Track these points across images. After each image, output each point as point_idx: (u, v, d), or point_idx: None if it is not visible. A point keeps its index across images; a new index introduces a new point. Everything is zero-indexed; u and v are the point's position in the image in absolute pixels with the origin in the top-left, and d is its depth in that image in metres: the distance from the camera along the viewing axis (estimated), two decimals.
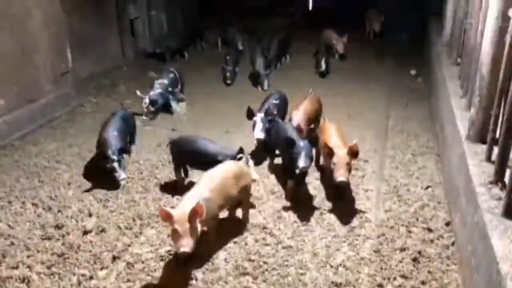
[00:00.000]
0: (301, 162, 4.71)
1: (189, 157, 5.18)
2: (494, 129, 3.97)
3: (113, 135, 5.50)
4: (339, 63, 10.16)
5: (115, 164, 5.24)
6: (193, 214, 3.68)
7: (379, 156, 6.12)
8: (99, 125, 6.01)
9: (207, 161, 4.80)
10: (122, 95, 8.44)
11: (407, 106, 7.81)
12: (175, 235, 3.68)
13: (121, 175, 5.25)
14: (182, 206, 3.80)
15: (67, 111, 7.60)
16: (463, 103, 5.34)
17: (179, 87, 7.74)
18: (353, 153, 4.73)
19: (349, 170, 4.73)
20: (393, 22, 11.51)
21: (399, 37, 11.13)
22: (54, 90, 7.34)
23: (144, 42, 10.21)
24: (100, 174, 5.42)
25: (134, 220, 4.77)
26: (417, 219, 4.70)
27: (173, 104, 7.46)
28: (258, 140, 5.68)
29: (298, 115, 5.97)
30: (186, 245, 3.62)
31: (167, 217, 3.68)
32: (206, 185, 4.15)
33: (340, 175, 4.59)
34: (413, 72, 9.36)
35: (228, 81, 9.07)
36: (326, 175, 5.13)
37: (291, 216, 4.76)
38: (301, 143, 4.80)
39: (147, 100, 6.92)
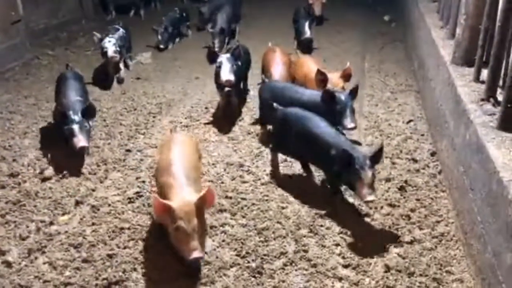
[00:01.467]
0: (347, 121, 4.09)
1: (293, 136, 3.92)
2: (483, 44, 3.72)
3: (75, 99, 4.57)
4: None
5: (75, 127, 4.21)
6: (202, 204, 2.82)
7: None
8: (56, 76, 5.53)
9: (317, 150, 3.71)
10: (82, 48, 7.86)
11: (383, 49, 7.54)
12: (180, 235, 2.75)
13: (80, 141, 4.17)
14: (179, 194, 2.88)
15: (21, 63, 7.01)
16: (444, 33, 5.11)
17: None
18: (346, 76, 4.67)
19: None
20: None
21: None
22: (4, 40, 6.73)
23: None
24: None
25: (98, 166, 4.37)
26: (401, 151, 4.48)
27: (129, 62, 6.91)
28: (229, 82, 4.82)
29: (279, 70, 5.13)
30: (198, 248, 2.73)
31: (166, 211, 2.77)
32: (184, 159, 3.25)
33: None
34: (386, 18, 9.09)
35: (161, 46, 7.61)
36: None
37: (269, 154, 4.44)
38: (342, 97, 4.09)
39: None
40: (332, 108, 4.07)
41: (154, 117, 5.36)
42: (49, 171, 4.26)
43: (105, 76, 6.32)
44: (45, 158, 4.50)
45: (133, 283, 3.02)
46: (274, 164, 4.28)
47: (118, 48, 6.07)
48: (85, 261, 3.23)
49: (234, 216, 3.61)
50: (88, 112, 4.36)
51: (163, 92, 6.05)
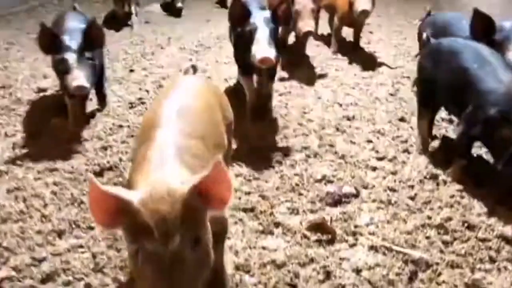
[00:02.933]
0: None
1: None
2: None
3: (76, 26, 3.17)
4: None
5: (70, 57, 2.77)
6: (200, 201, 1.22)
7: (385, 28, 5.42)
8: None
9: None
10: (91, 1, 7.49)
11: None
12: (147, 272, 1.16)
13: (75, 79, 2.72)
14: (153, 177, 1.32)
15: (25, 8, 6.65)
16: None
17: None
18: None
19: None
20: None
21: None
22: None
23: None
24: None
25: None
26: None
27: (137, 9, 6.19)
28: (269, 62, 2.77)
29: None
30: None
31: (116, 211, 1.18)
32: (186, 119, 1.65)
33: (363, 3, 3.97)
34: None
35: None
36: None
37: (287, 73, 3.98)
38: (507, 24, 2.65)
39: None
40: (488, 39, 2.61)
41: (162, 48, 4.93)
42: (45, 84, 3.86)
43: (113, 18, 5.92)
44: (41, 74, 4.09)
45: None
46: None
47: None
48: (76, 152, 2.80)
49: (244, 118, 3.14)
50: (93, 38, 2.89)
51: (172, 31, 5.63)
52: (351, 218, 2.20)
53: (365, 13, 4.00)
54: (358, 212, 2.24)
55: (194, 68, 2.24)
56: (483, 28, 2.62)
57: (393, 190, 2.41)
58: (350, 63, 4.25)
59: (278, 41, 2.84)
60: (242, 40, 2.86)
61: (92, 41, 2.88)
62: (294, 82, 3.79)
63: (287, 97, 3.51)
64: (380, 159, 2.69)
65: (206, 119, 1.72)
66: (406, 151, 2.76)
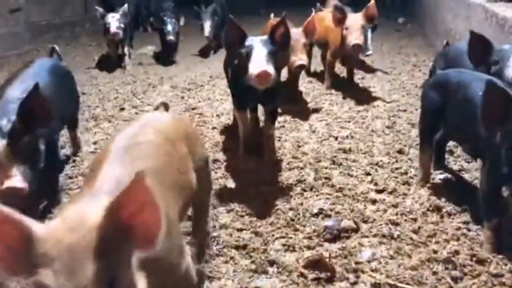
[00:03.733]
0: None
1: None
2: None
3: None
4: None
5: None
6: (113, 223, 0.97)
7: (378, 63, 5.39)
8: None
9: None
10: (84, 45, 7.53)
11: (400, 41, 7.09)
12: None
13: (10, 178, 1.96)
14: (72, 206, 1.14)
15: (18, 53, 6.65)
16: None
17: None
18: (369, 16, 4.08)
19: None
20: None
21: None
22: (2, 26, 6.42)
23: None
24: None
25: (87, 121, 3.85)
26: None
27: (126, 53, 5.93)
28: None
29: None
30: None
31: (13, 238, 0.96)
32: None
33: (354, 38, 3.91)
34: (401, 20, 8.74)
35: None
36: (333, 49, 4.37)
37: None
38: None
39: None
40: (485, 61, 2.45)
41: (153, 87, 4.88)
42: None
43: (106, 59, 5.90)
44: None
45: None
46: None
47: (122, 25, 5.52)
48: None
49: (238, 151, 3.02)
50: (34, 113, 2.05)
51: (165, 71, 5.60)
52: (351, 254, 2.03)
53: (357, 47, 3.96)
54: (358, 248, 2.08)
55: (166, 106, 2.01)
56: (480, 50, 2.46)
57: (395, 223, 2.25)
58: (344, 97, 4.18)
59: (277, 64, 2.63)
60: (237, 65, 2.72)
61: (33, 118, 2.04)
62: (287, 116, 3.70)
63: (281, 131, 3.40)
64: (380, 191, 2.55)
65: (162, 154, 1.50)
66: (406, 183, 2.63)
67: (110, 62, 5.80)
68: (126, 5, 5.80)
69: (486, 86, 1.93)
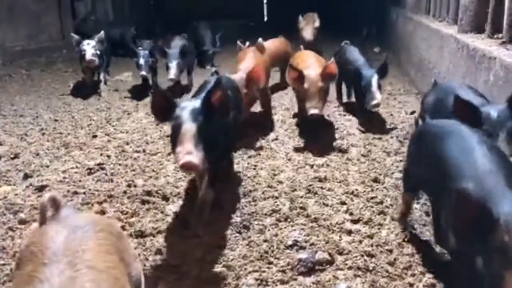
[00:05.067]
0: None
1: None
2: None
3: None
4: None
5: None
6: None
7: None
8: (28, 90, 5.53)
9: None
10: (59, 70, 7.42)
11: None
12: None
13: None
14: None
15: None
16: (443, 24, 4.79)
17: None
18: (327, 75, 3.58)
19: (324, 98, 3.70)
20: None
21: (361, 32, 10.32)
22: None
23: (85, 26, 9.27)
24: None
25: (58, 149, 3.74)
26: (407, 133, 3.92)
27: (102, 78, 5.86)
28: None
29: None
30: None
31: None
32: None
33: (313, 107, 3.50)
34: (377, 49, 8.90)
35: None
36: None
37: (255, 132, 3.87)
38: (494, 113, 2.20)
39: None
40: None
41: (128, 114, 4.80)
42: (0, 150, 3.64)
43: (82, 86, 5.81)
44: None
45: None
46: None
47: (97, 52, 5.44)
48: (22, 222, 2.53)
49: (213, 184, 2.95)
50: None
51: (141, 97, 5.51)
52: (326, 287, 1.97)
53: (316, 117, 3.60)
54: (333, 281, 2.02)
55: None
56: (468, 117, 2.14)
57: (370, 255, 2.21)
58: (320, 124, 4.17)
59: (210, 140, 2.18)
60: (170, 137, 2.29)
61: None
62: (264, 144, 3.67)
63: (257, 159, 3.36)
64: (355, 221, 2.51)
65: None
66: (382, 212, 2.60)
67: (85, 89, 5.70)
68: (102, 32, 5.77)
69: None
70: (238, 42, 4.81)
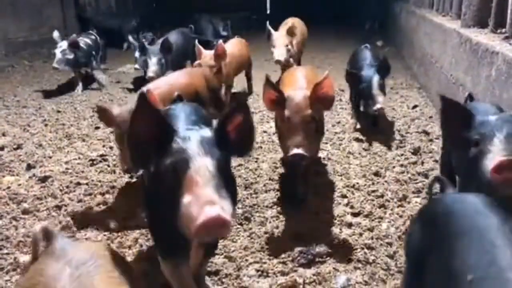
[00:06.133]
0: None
1: None
2: None
3: None
4: None
5: None
6: None
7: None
8: (31, 81, 5.49)
9: None
10: None
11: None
12: None
13: None
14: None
15: None
16: (446, 19, 4.78)
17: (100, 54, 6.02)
18: (320, 99, 2.37)
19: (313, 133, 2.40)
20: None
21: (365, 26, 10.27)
22: None
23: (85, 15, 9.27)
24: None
25: (60, 140, 3.76)
26: (409, 127, 3.94)
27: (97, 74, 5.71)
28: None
29: None
30: None
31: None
32: None
33: (295, 146, 2.61)
34: (379, 43, 8.88)
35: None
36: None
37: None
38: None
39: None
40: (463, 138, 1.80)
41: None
42: (2, 140, 3.66)
43: (85, 78, 5.77)
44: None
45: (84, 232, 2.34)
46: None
47: (68, 56, 5.10)
48: (25, 212, 2.56)
49: None
50: None
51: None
52: (325, 279, 1.99)
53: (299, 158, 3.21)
54: (333, 273, 2.04)
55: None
56: (457, 123, 1.80)
57: (370, 248, 2.23)
58: None
59: (234, 189, 1.54)
60: (161, 184, 1.44)
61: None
62: (265, 137, 3.68)
63: (258, 152, 3.37)
64: (356, 215, 2.53)
65: None
66: (382, 206, 2.61)
67: (89, 80, 5.72)
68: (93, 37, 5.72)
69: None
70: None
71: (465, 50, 3.55)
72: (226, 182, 1.37)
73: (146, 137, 1.42)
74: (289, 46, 4.78)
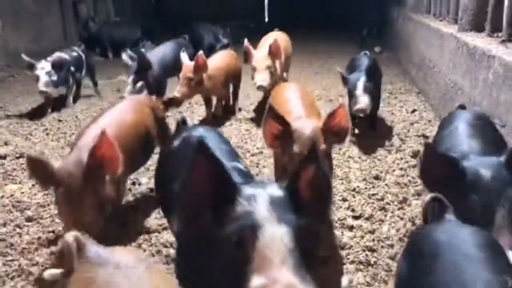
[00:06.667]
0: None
1: None
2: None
3: None
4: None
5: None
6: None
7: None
8: (31, 91, 5.30)
9: None
10: None
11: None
12: None
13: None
14: None
15: None
16: (443, 23, 4.83)
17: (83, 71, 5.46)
18: (338, 131, 2.19)
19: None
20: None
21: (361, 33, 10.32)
22: None
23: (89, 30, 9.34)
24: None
25: (62, 148, 3.80)
26: (408, 131, 3.97)
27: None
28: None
29: None
30: None
31: None
32: None
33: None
34: (377, 49, 8.94)
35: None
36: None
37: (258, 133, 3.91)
38: None
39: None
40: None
41: None
42: (5, 149, 3.69)
43: (86, 86, 5.80)
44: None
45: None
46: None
47: (53, 78, 4.68)
48: (29, 219, 2.58)
49: None
50: None
51: None
52: (328, 281, 2.01)
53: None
54: (335, 275, 2.06)
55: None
56: (442, 175, 1.58)
57: (371, 250, 2.25)
58: None
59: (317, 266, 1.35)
60: (215, 256, 1.20)
61: None
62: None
63: (259, 157, 3.40)
64: (357, 217, 2.55)
65: None
66: (382, 209, 2.64)
67: (89, 89, 5.77)
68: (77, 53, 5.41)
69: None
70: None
71: (462, 54, 3.59)
72: (308, 257, 1.08)
73: (203, 195, 1.18)
74: (272, 69, 4.15)
